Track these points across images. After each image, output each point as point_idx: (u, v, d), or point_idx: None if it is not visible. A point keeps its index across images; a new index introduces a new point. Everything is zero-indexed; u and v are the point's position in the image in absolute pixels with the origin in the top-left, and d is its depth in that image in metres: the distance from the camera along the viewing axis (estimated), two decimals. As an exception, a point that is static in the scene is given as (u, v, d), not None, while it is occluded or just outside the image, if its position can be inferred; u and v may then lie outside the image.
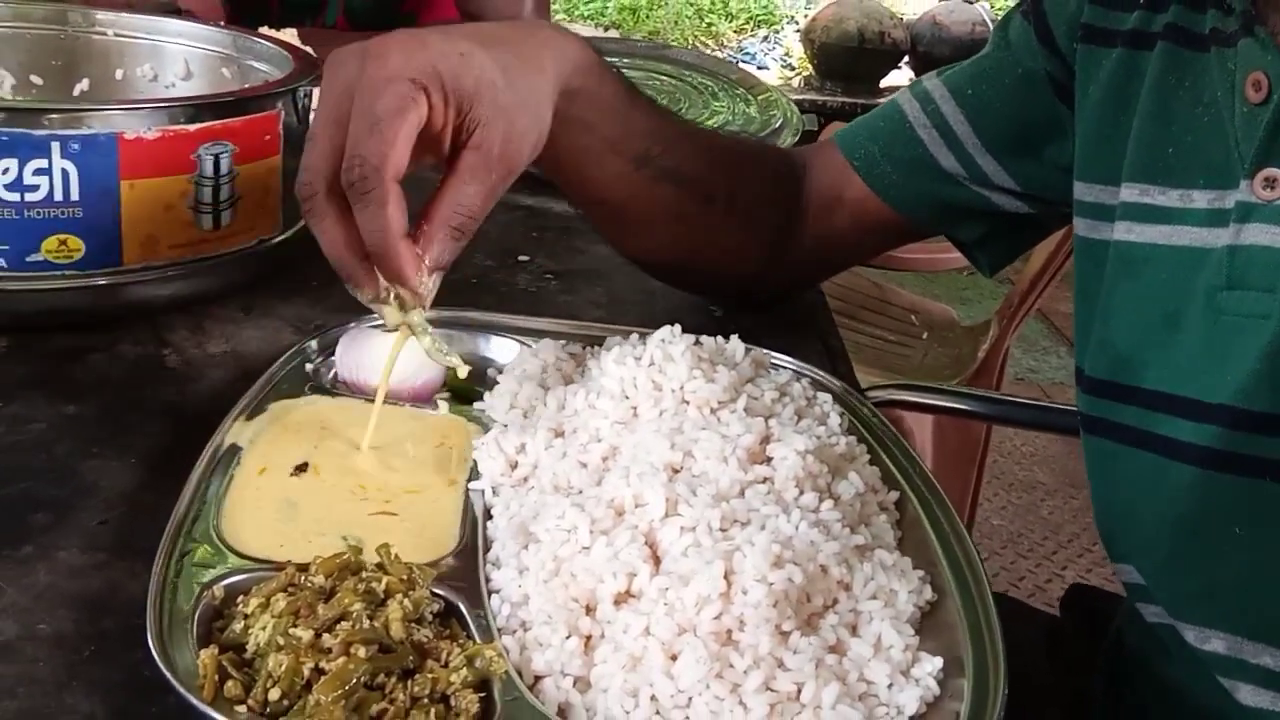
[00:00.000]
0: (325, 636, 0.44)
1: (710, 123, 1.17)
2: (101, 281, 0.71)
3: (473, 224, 0.56)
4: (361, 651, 0.43)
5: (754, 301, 0.84)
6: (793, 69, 5.51)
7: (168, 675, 0.42)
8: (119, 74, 0.93)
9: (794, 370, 0.66)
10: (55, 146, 0.66)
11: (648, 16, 6.05)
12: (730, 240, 0.77)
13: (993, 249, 0.79)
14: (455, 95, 0.55)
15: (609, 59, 1.33)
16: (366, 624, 0.44)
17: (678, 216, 0.74)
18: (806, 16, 5.35)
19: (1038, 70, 0.70)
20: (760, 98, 1.23)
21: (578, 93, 0.64)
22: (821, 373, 0.68)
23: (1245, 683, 0.58)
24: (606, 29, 6.05)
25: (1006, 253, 0.80)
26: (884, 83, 3.83)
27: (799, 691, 0.44)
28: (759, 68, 5.62)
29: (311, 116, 0.67)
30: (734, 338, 0.64)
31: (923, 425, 1.57)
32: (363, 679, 0.42)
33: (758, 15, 6.03)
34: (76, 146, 0.67)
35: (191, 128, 0.70)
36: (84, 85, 0.93)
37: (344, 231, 0.54)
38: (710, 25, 6.06)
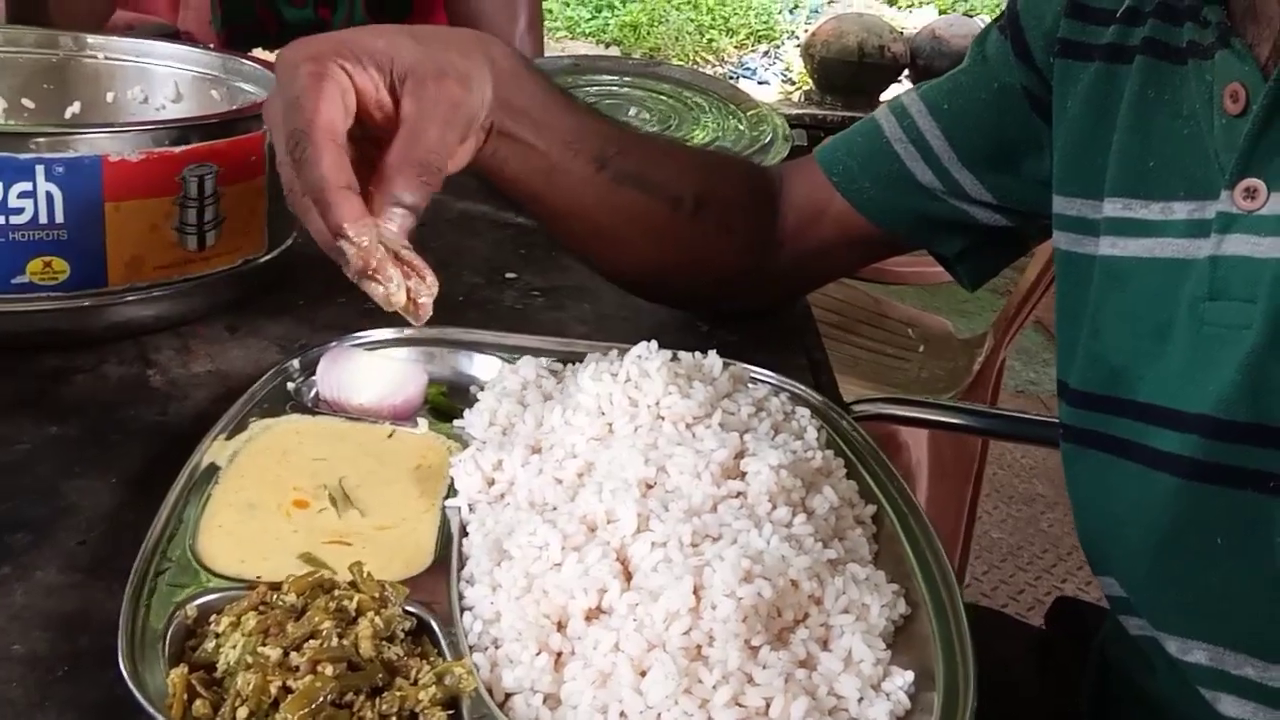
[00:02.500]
0: (294, 655, 0.44)
1: (700, 137, 1.17)
2: (87, 303, 0.71)
3: (437, 160, 0.58)
4: (329, 670, 0.43)
5: (740, 313, 0.84)
6: (793, 84, 5.53)
7: (137, 695, 0.42)
8: (110, 97, 0.94)
9: (773, 385, 0.66)
10: (40, 169, 0.67)
11: (649, 33, 6.08)
12: (703, 248, 0.78)
13: (972, 263, 0.80)
14: (371, 58, 0.58)
15: (602, 76, 1.35)
16: (335, 642, 0.44)
17: (645, 224, 0.75)
18: (806, 31, 5.37)
19: (1014, 85, 0.70)
20: (750, 114, 1.24)
21: (514, 86, 0.65)
22: (802, 387, 0.68)
23: (1227, 693, 0.58)
24: (608, 46, 6.08)
25: (987, 267, 0.80)
26: (884, 96, 3.84)
27: (768, 706, 0.44)
28: (760, 83, 5.64)
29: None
30: (712, 353, 0.64)
31: (918, 439, 1.57)
32: (330, 697, 0.43)
33: (758, 30, 6.05)
34: (61, 169, 0.68)
35: (176, 150, 0.71)
36: (75, 108, 0.94)
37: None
38: (711, 41, 6.08)
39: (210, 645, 0.45)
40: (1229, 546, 0.56)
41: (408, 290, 0.54)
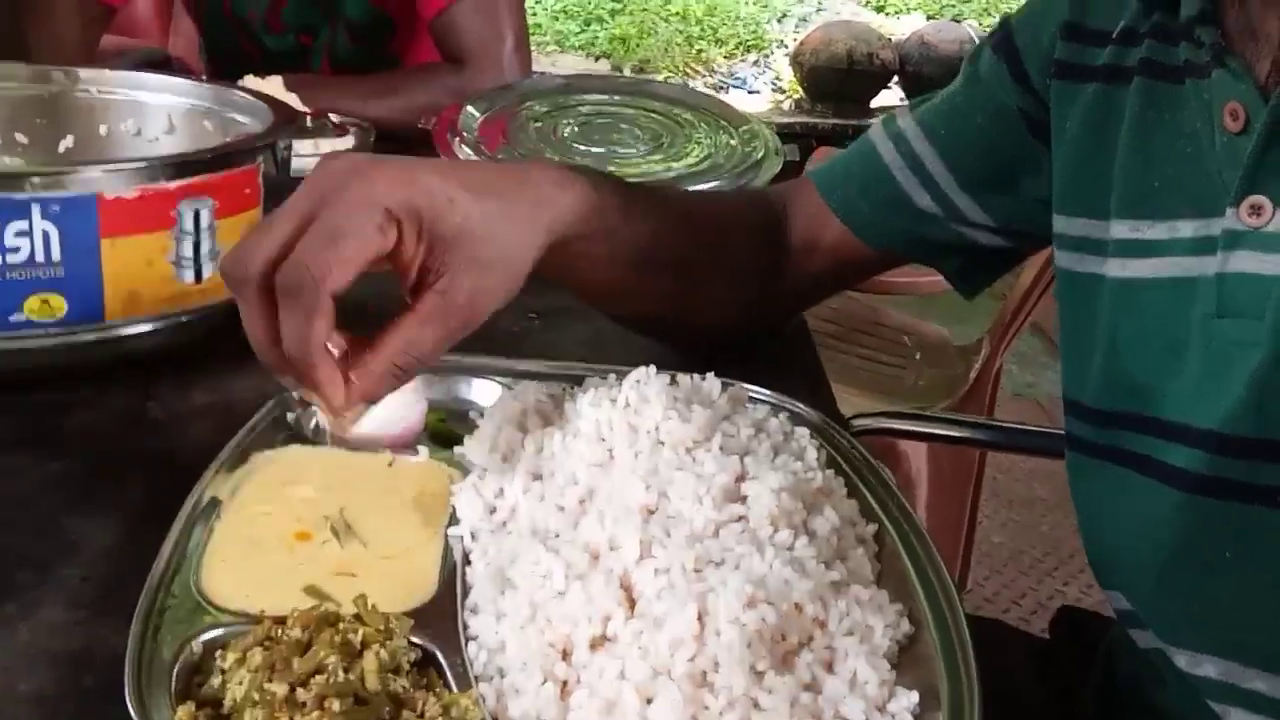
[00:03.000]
0: (300, 690, 0.44)
1: (693, 154, 1.18)
2: (85, 338, 0.71)
3: (416, 366, 0.55)
4: (336, 705, 0.43)
5: (738, 344, 0.84)
6: (783, 92, 5.55)
7: (145, 734, 0.42)
8: (103, 130, 0.94)
9: (772, 404, 0.66)
10: (36, 208, 0.67)
11: (638, 45, 6.10)
12: (717, 302, 0.78)
13: (972, 277, 0.81)
14: (430, 237, 0.55)
15: (593, 95, 1.35)
16: (342, 676, 0.45)
17: (665, 296, 0.75)
18: (795, 40, 5.39)
19: (1010, 106, 0.71)
20: (741, 130, 1.24)
21: (569, 242, 0.63)
22: (801, 405, 0.68)
23: (1237, 707, 0.58)
24: (597, 59, 6.09)
25: (985, 279, 0.81)
26: (874, 103, 3.86)
27: (774, 731, 0.44)
28: (750, 92, 5.66)
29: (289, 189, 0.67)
30: (710, 375, 0.64)
31: (918, 449, 1.58)
32: (338, 733, 0.43)
33: (747, 40, 6.07)
34: (57, 208, 0.68)
35: (171, 185, 0.71)
36: (69, 142, 0.94)
37: (270, 324, 0.53)
38: (700, 52, 6.10)
39: (216, 681, 0.46)
40: (1238, 560, 0.56)
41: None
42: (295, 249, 0.52)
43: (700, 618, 0.47)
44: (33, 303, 0.69)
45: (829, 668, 0.48)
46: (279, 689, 0.43)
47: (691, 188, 1.07)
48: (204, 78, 1.07)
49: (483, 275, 0.56)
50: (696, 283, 0.75)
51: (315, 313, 0.51)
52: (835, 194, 0.79)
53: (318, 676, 0.44)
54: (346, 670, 0.45)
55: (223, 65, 1.58)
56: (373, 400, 0.55)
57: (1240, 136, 0.56)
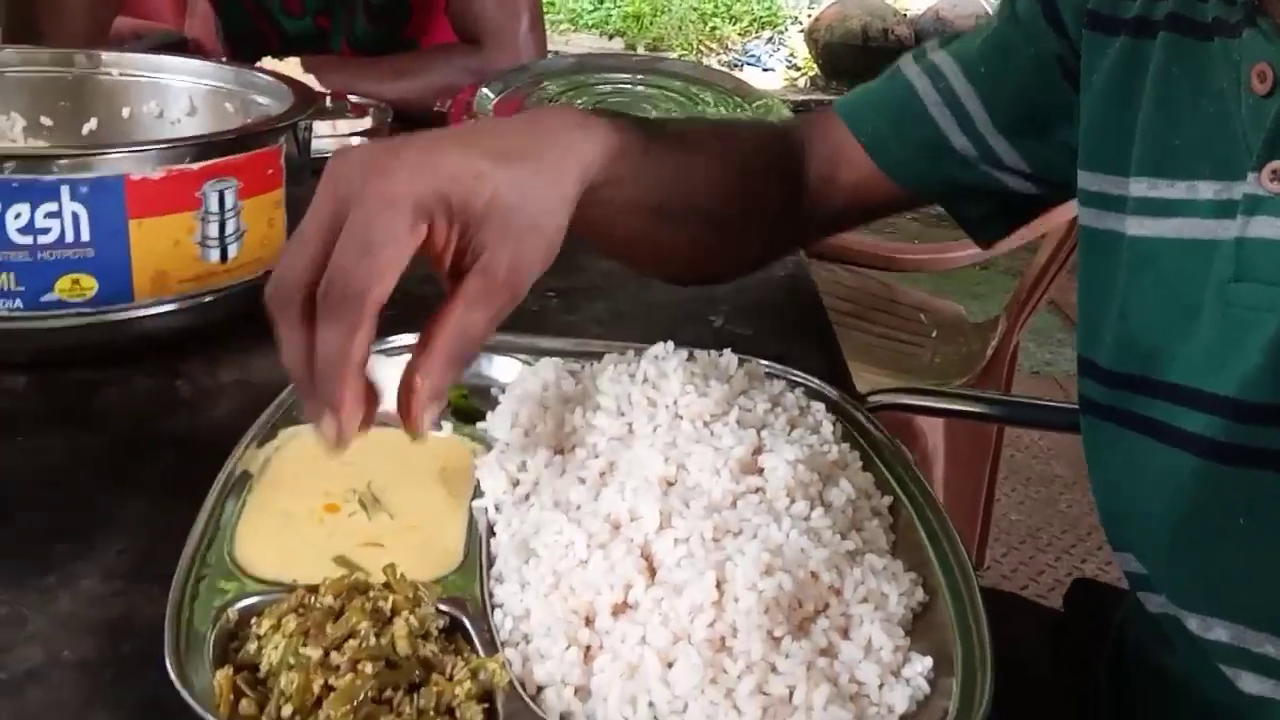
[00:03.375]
0: (334, 654, 0.46)
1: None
2: (114, 317, 0.73)
3: (476, 349, 0.54)
4: (369, 668, 0.45)
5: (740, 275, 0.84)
6: (798, 69, 5.53)
7: (185, 695, 0.44)
8: (126, 112, 0.96)
9: (788, 380, 0.67)
10: (65, 190, 0.69)
11: (651, 23, 6.08)
12: (736, 245, 0.77)
13: (994, 225, 0.79)
14: (462, 219, 0.53)
15: (610, 75, 1.36)
16: (373, 641, 0.46)
17: (685, 242, 0.73)
18: (810, 17, 5.36)
19: (1048, 52, 0.69)
20: (755, 105, 1.25)
21: (596, 188, 0.60)
22: (817, 380, 0.69)
23: (1247, 670, 0.59)
24: (611, 37, 6.08)
25: (1007, 228, 0.80)
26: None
27: (791, 694, 0.45)
28: (764, 69, 5.64)
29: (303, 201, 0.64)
30: (727, 351, 0.65)
31: (934, 425, 1.58)
32: (370, 694, 0.44)
33: (761, 17, 6.04)
34: (85, 189, 0.69)
35: (195, 166, 0.72)
36: (92, 125, 0.96)
37: (310, 346, 0.51)
38: (714, 29, 6.08)
39: (252, 647, 0.47)
40: (1251, 526, 0.57)
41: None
42: (330, 265, 0.50)
43: (719, 585, 0.48)
44: (64, 283, 0.71)
45: (844, 634, 0.49)
46: (314, 653, 0.45)
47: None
48: (223, 59, 1.08)
49: (520, 245, 0.54)
50: (717, 227, 0.73)
51: (358, 326, 0.49)
52: (865, 129, 0.76)
53: (350, 641, 0.46)
54: (378, 635, 0.46)
55: (240, 48, 1.59)
56: (440, 398, 0.53)
57: (1267, 99, 0.55)
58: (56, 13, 1.39)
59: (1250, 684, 0.59)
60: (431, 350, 0.53)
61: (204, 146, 0.74)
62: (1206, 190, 0.58)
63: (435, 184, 0.52)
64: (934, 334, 1.86)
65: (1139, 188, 0.61)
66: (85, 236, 0.70)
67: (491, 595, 0.52)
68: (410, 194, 0.51)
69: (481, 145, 0.55)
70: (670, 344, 0.63)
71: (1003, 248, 1.69)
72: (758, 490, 0.55)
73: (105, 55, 0.97)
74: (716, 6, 6.19)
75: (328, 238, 0.51)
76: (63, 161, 0.70)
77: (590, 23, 6.26)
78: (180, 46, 1.70)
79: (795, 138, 0.79)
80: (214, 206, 0.74)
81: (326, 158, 1.27)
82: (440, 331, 0.53)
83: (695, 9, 6.26)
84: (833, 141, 0.77)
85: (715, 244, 0.74)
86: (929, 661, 0.48)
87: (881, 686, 0.47)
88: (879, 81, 0.78)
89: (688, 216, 0.70)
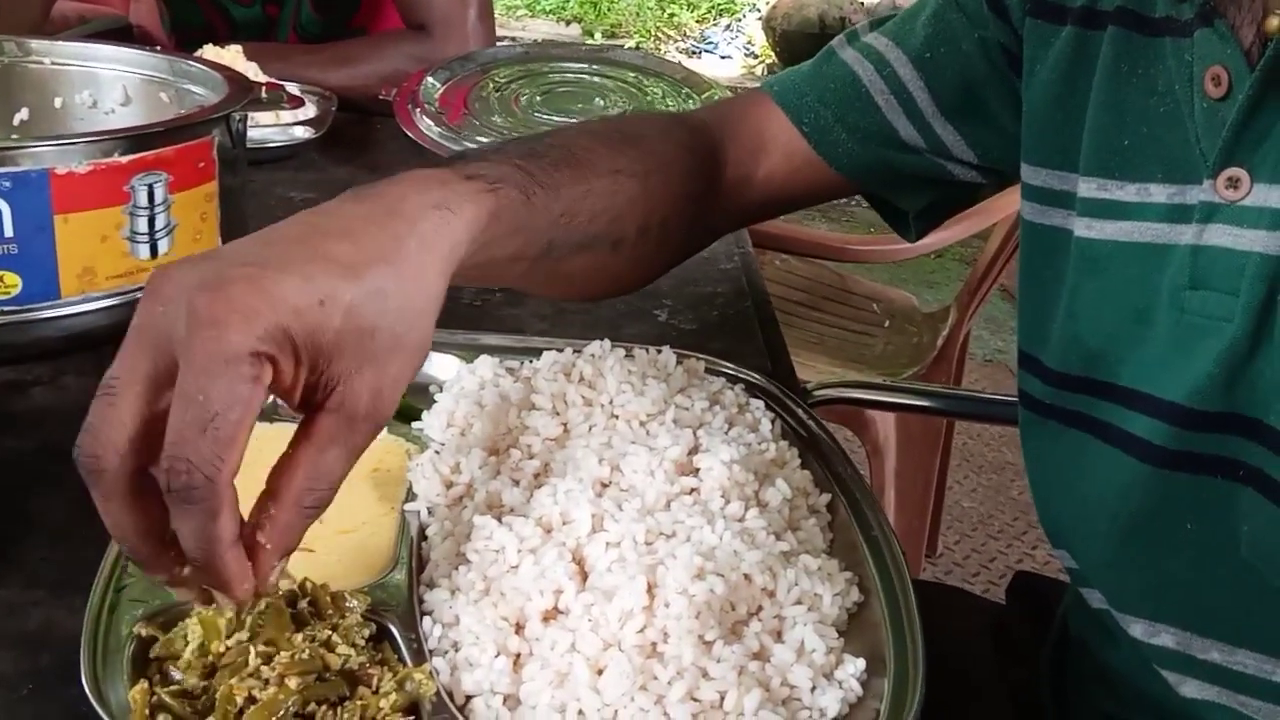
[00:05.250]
0: (264, 667, 0.45)
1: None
2: (40, 315, 0.71)
3: (331, 494, 0.46)
4: (293, 682, 0.44)
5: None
6: (756, 57, 5.53)
7: (99, 711, 0.43)
8: (58, 102, 0.93)
9: (729, 376, 0.67)
10: (-14, 185, 0.67)
11: (609, 9, 6.06)
12: (649, 260, 0.73)
13: (932, 215, 0.77)
14: (310, 355, 0.44)
15: (558, 64, 1.34)
16: (306, 653, 0.45)
17: (590, 273, 0.68)
18: (768, 4, 5.36)
19: (991, 39, 0.67)
20: (704, 96, 1.24)
21: (474, 255, 0.54)
22: (758, 376, 0.69)
23: (1192, 677, 0.59)
24: (568, 24, 6.05)
25: (939, 219, 0.78)
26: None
27: (722, 699, 0.45)
28: (722, 57, 5.64)
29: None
30: (666, 349, 0.65)
31: (885, 415, 1.59)
32: (294, 708, 0.43)
33: (719, 4, 6.04)
34: (9, 184, 0.67)
35: (124, 159, 0.71)
36: (23, 115, 0.93)
37: (141, 516, 0.44)
38: (672, 16, 6.06)
39: (179, 659, 0.46)
40: (1198, 532, 0.56)
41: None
42: (168, 445, 0.42)
43: (650, 589, 0.47)
44: (-14, 280, 0.69)
45: (777, 636, 0.49)
46: (254, 661, 0.44)
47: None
48: (160, 48, 1.05)
49: (381, 368, 0.46)
50: (619, 246, 0.67)
51: (219, 510, 0.42)
52: (807, 116, 0.73)
53: (280, 654, 0.45)
54: (306, 648, 0.45)
55: (188, 37, 1.56)
56: (290, 551, 0.46)
57: (1222, 103, 0.54)
58: (7, 4, 1.36)
59: (1194, 690, 0.59)
60: (280, 502, 0.45)
61: (132, 139, 0.72)
62: (1159, 193, 0.57)
63: (274, 324, 0.43)
64: (886, 324, 1.86)
65: (1088, 188, 0.60)
66: (8, 233, 0.68)
67: (422, 602, 0.51)
68: (246, 345, 0.42)
69: (326, 256, 0.46)
70: (607, 342, 0.62)
71: (947, 238, 1.70)
72: (692, 491, 0.54)
73: (35, 44, 0.94)
74: (675, -7, 6.17)
75: (147, 396, 0.43)
76: (-16, 156, 0.68)
77: (547, 8, 6.22)
78: (125, 33, 1.67)
79: (711, 131, 0.74)
80: (143, 201, 0.72)
81: (266, 147, 1.25)
82: (290, 481, 0.45)
83: (653, -5, 6.23)
84: (761, 129, 0.74)
85: (617, 263, 0.68)
86: (861, 663, 0.48)
87: (814, 690, 0.47)
88: (811, 66, 0.75)
89: (584, 245, 0.64)
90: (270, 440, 0.62)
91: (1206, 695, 0.58)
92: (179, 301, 0.43)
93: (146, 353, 0.43)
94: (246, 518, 0.45)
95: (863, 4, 4.02)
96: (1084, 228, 0.60)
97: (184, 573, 0.44)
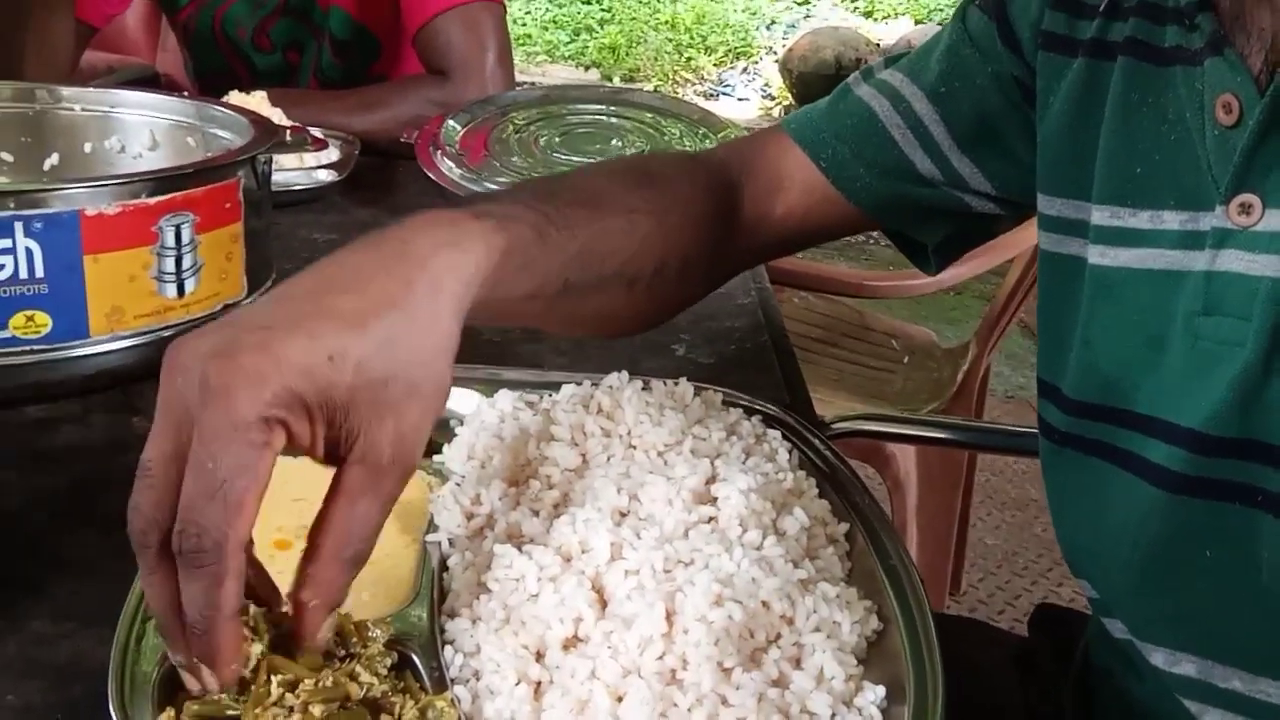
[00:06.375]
0: (288, 695, 0.45)
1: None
2: (70, 354, 0.73)
3: (371, 544, 0.47)
4: (316, 710, 0.44)
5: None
6: (772, 99, 5.57)
7: (127, 741, 0.43)
8: (87, 147, 0.96)
9: (745, 407, 0.67)
10: (19, 226, 0.69)
11: (627, 54, 6.13)
12: (663, 299, 0.73)
13: (947, 250, 0.78)
14: (325, 413, 0.45)
15: (576, 105, 1.36)
16: (329, 682, 0.46)
17: (604, 312, 0.68)
18: (784, 47, 5.42)
19: (1004, 72, 0.68)
20: (720, 136, 1.26)
21: (488, 294, 0.54)
22: (775, 408, 0.69)
23: (1214, 706, 0.58)
24: (587, 69, 6.12)
25: (957, 252, 0.79)
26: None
27: (742, 726, 0.45)
28: (739, 99, 5.69)
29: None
30: (683, 380, 0.65)
31: (906, 450, 1.59)
32: (316, 736, 0.44)
33: (736, 48, 6.10)
34: (40, 225, 0.69)
35: (151, 201, 0.72)
36: (54, 160, 0.96)
37: (178, 589, 0.44)
38: (690, 60, 6.13)
39: None
40: (1217, 559, 0.56)
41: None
42: (180, 511, 0.43)
43: (669, 617, 0.48)
44: (18, 319, 0.70)
45: (796, 663, 0.49)
46: (276, 691, 0.45)
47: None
48: (186, 94, 1.08)
49: (401, 417, 0.46)
50: (635, 285, 0.67)
51: (224, 577, 0.43)
52: (824, 152, 0.74)
53: (305, 682, 0.45)
54: (333, 674, 0.46)
55: (211, 84, 1.60)
56: (336, 606, 0.47)
57: (1233, 130, 0.55)
58: (41, 54, 1.40)
59: (1216, 719, 0.58)
60: (319, 559, 0.46)
61: (160, 181, 0.74)
62: (1172, 220, 0.57)
63: (281, 388, 0.43)
64: (905, 360, 1.86)
65: (1101, 216, 0.60)
66: (39, 273, 0.70)
67: (443, 631, 0.51)
68: (255, 412, 0.43)
69: (332, 311, 0.46)
70: (625, 374, 0.63)
71: (964, 273, 1.70)
72: (710, 520, 0.54)
73: (66, 91, 0.97)
74: (692, 38, 6.25)
75: (172, 466, 0.44)
76: (16, 198, 0.70)
77: (567, 54, 6.30)
78: (152, 81, 1.71)
79: (729, 169, 0.75)
80: (170, 241, 0.74)
81: (291, 190, 1.27)
82: (326, 537, 0.46)
83: (670, 40, 6.31)
84: (779, 166, 0.75)
85: (635, 301, 0.69)
86: (881, 690, 0.48)
87: (834, 717, 0.47)
88: (828, 103, 0.77)
89: (601, 284, 0.65)
90: (288, 472, 0.63)
91: None
92: (194, 371, 0.44)
93: (171, 429, 0.44)
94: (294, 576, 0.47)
95: (878, 45, 4.05)
96: (1098, 255, 0.60)
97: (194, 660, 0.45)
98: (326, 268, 0.49)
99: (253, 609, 0.47)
